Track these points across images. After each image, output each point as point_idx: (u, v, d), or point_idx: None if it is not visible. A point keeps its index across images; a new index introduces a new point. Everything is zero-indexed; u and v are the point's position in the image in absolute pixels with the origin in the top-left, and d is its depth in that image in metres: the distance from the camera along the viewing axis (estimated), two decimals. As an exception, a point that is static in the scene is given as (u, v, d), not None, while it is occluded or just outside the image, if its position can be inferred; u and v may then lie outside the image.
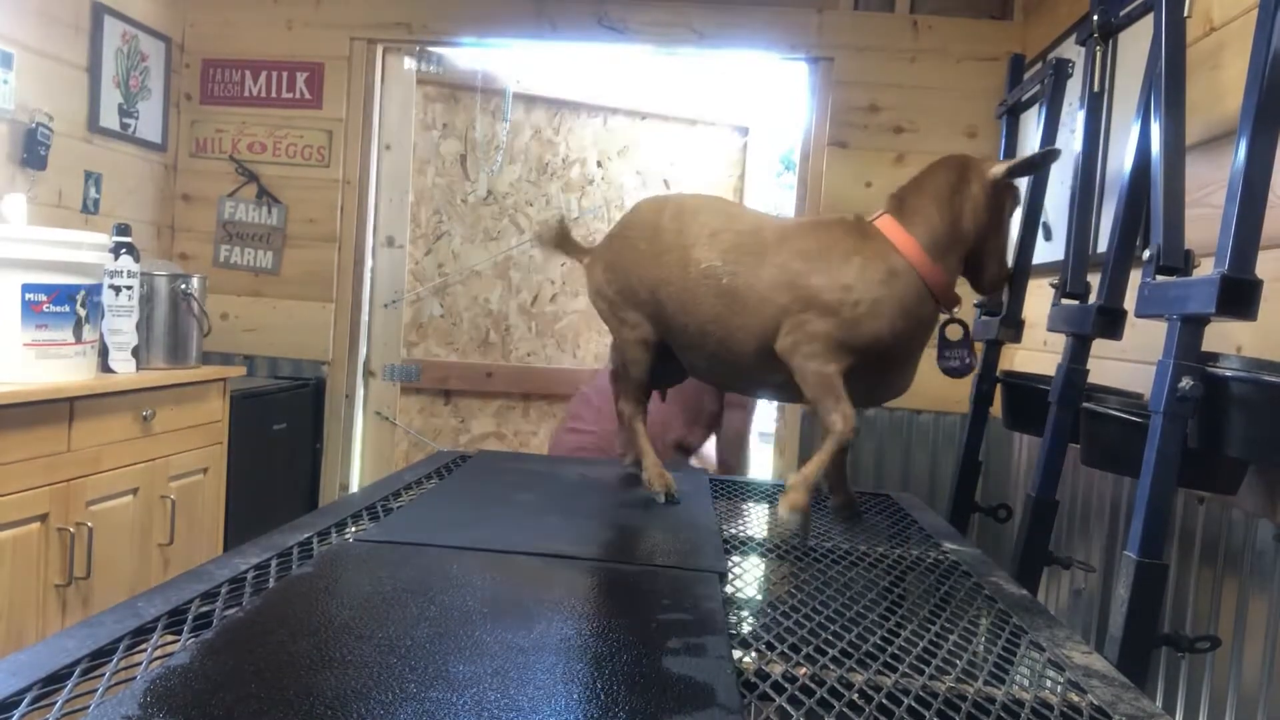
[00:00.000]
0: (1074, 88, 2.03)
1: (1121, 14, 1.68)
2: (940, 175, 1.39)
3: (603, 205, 3.33)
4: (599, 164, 3.35)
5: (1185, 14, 1.39)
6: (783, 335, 1.36)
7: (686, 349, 1.51)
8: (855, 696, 0.82)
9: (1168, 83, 1.34)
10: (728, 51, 3.09)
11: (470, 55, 3.27)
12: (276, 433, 3.03)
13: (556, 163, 3.34)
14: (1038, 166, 1.30)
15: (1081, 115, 1.83)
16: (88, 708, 0.69)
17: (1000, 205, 1.38)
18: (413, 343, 3.36)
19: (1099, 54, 1.79)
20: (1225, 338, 1.44)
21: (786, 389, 1.42)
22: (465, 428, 3.36)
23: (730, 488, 1.75)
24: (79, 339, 2.10)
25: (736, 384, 1.58)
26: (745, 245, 1.42)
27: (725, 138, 3.54)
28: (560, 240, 1.70)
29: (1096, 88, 1.79)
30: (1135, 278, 1.44)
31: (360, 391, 3.33)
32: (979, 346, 2.33)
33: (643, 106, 3.43)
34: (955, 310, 1.41)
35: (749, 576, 1.18)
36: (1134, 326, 1.56)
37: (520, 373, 3.35)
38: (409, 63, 3.27)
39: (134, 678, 0.75)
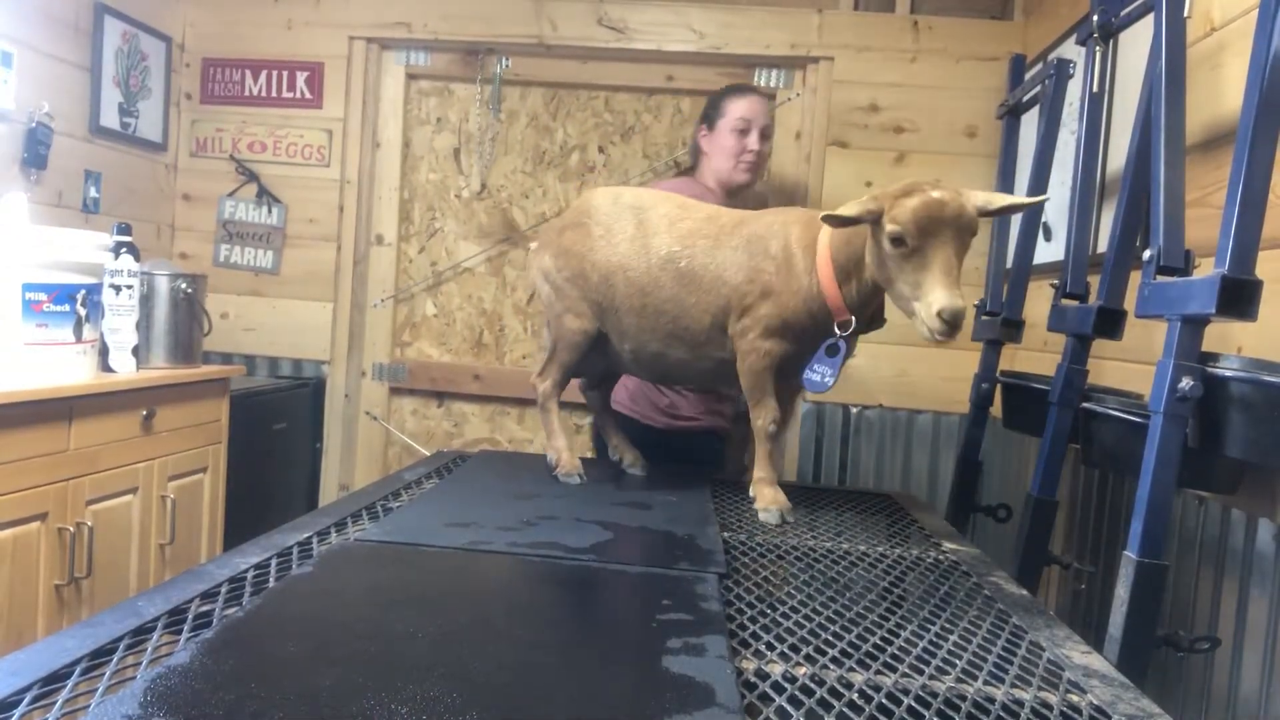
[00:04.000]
0: (1075, 88, 2.03)
1: (1122, 14, 1.68)
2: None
3: None
4: (601, 149, 3.31)
5: (1186, 14, 1.39)
6: (733, 320, 1.52)
7: (636, 333, 1.60)
8: (855, 696, 0.82)
9: (1168, 83, 1.34)
10: (728, 51, 3.09)
11: (463, 46, 3.24)
12: (276, 433, 3.03)
13: (554, 150, 3.31)
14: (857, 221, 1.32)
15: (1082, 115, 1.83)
16: (88, 707, 0.69)
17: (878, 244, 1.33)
18: (405, 343, 3.36)
19: (1099, 54, 1.79)
20: (1225, 338, 1.44)
21: (731, 366, 1.56)
22: (458, 432, 3.35)
23: (731, 487, 1.75)
24: (79, 338, 2.10)
25: (685, 364, 1.63)
26: (701, 231, 1.55)
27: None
28: (508, 225, 1.81)
29: (1096, 88, 1.79)
30: (1135, 278, 1.43)
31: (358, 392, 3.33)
32: (978, 347, 2.33)
33: (649, 81, 3.23)
34: (842, 330, 1.46)
35: (749, 576, 1.18)
36: (1132, 326, 1.56)
37: (515, 376, 3.31)
38: (398, 57, 3.27)
39: (134, 677, 0.75)
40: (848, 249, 1.42)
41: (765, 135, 2.30)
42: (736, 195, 2.29)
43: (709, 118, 2.34)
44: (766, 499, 1.52)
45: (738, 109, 2.29)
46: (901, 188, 1.28)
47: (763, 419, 1.53)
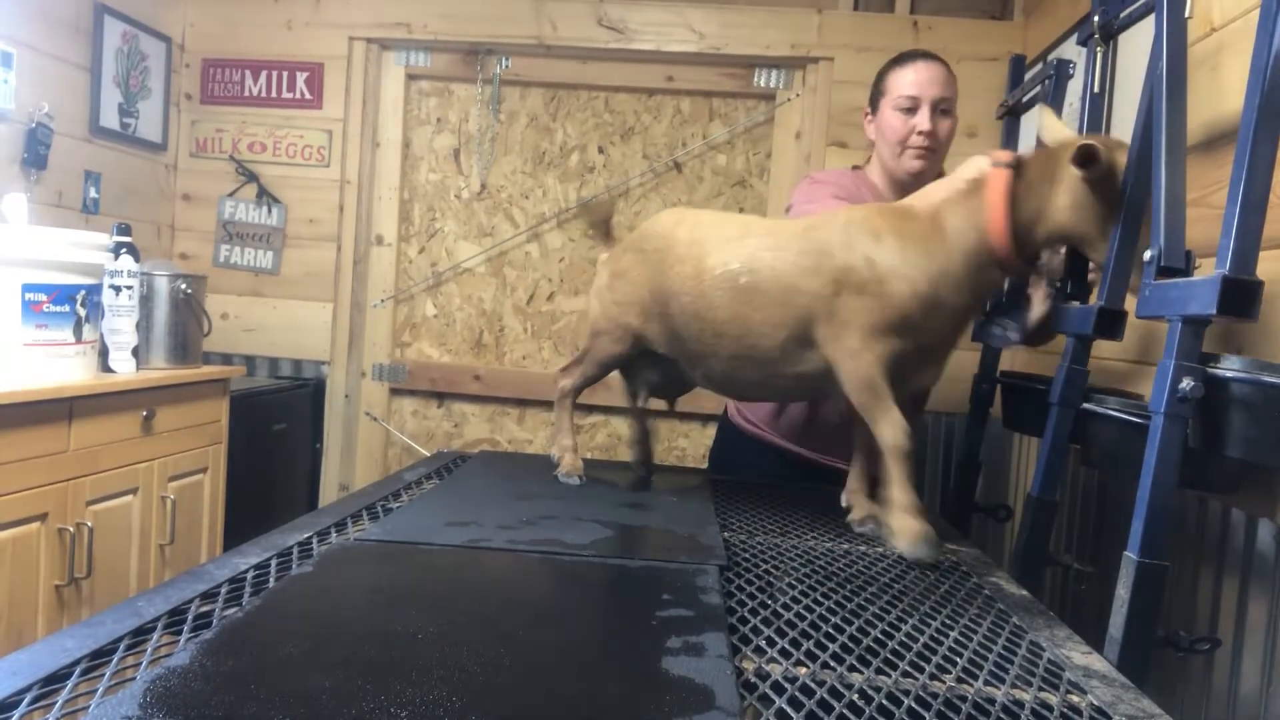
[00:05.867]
0: (1075, 88, 2.03)
1: (1122, 15, 1.68)
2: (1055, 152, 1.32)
3: (604, 193, 3.29)
4: (601, 149, 3.32)
5: (1187, 15, 1.39)
6: (821, 327, 1.35)
7: (701, 357, 1.50)
8: (855, 697, 0.82)
9: (1169, 83, 1.33)
10: (728, 51, 3.09)
11: (463, 46, 3.24)
12: (276, 433, 3.03)
13: (554, 151, 3.31)
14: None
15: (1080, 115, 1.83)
16: (88, 708, 0.69)
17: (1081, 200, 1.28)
18: (405, 343, 3.36)
19: (1099, 55, 1.79)
20: (1225, 338, 1.44)
21: (817, 380, 1.40)
22: (458, 432, 3.35)
23: (733, 488, 1.74)
24: (79, 339, 2.10)
25: (759, 384, 1.51)
26: (764, 244, 1.42)
27: (748, 110, 3.23)
28: (602, 221, 1.72)
29: (1097, 89, 1.79)
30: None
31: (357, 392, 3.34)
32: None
33: (649, 82, 3.23)
34: (1020, 279, 1.35)
35: (748, 576, 1.18)
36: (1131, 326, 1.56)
37: (515, 376, 3.31)
38: (398, 58, 3.27)
39: (134, 678, 0.74)
40: (1032, 201, 1.29)
41: (942, 110, 1.83)
42: (912, 190, 1.68)
43: (872, 100, 1.95)
44: (910, 532, 1.29)
45: (899, 83, 1.86)
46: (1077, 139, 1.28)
47: (891, 433, 1.29)
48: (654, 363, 1.64)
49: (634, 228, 3.22)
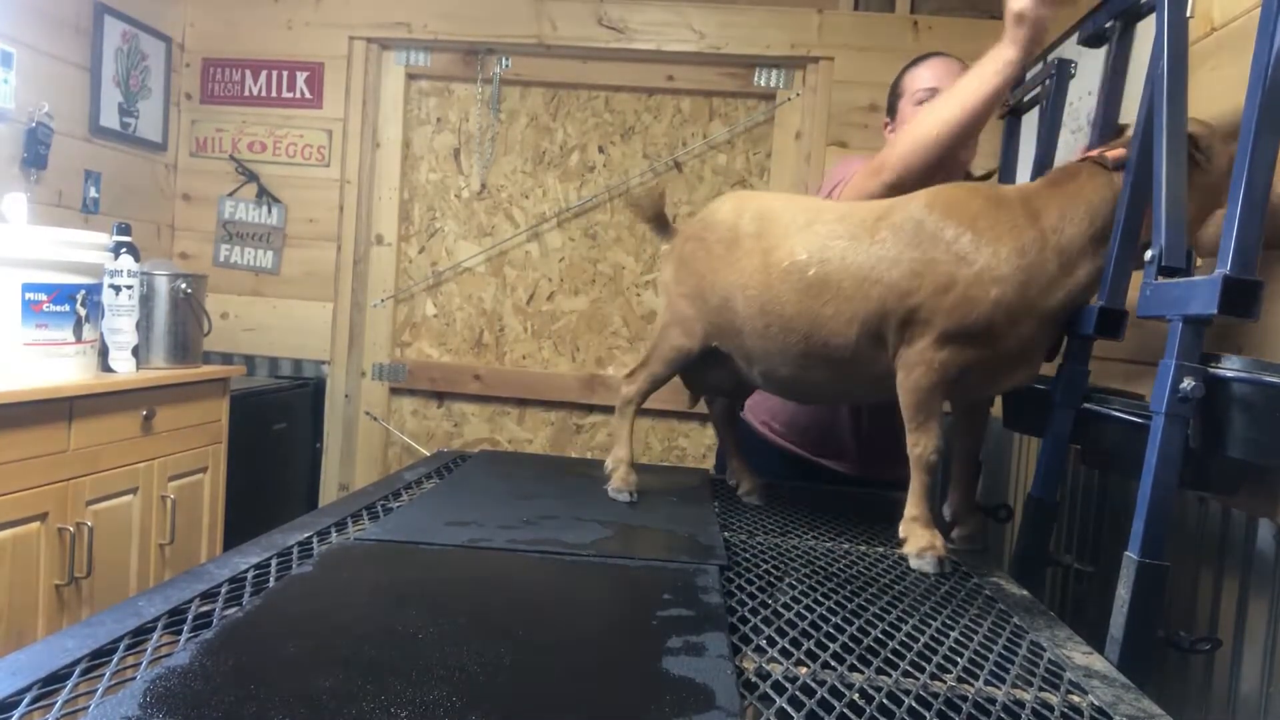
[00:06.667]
0: (1075, 88, 2.03)
1: (1142, 1, 1.67)
2: None
3: (604, 193, 3.30)
4: (601, 149, 3.32)
5: (1188, 14, 1.38)
6: (893, 328, 1.28)
7: (767, 355, 1.42)
8: (856, 697, 0.82)
9: (1169, 82, 1.33)
10: (728, 51, 3.09)
11: (463, 46, 3.25)
12: (276, 433, 3.03)
13: (554, 150, 3.31)
14: None
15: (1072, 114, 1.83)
16: (88, 708, 0.69)
17: None
18: (405, 343, 3.36)
19: (1118, 32, 1.75)
20: (1226, 338, 1.44)
21: (890, 385, 1.34)
22: (458, 432, 3.35)
23: (731, 487, 1.74)
24: (79, 338, 2.10)
25: (827, 386, 1.43)
26: (835, 232, 1.33)
27: (748, 109, 3.24)
28: (655, 214, 1.60)
29: (1115, 68, 1.76)
30: (1136, 277, 1.43)
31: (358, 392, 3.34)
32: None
33: (649, 81, 3.23)
34: None
35: (749, 576, 1.18)
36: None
37: (515, 376, 3.31)
38: (398, 57, 3.28)
39: (134, 678, 0.74)
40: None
41: None
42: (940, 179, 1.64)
43: (890, 106, 1.92)
44: (921, 542, 1.28)
45: (916, 80, 1.85)
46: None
47: (923, 446, 1.29)
48: (717, 362, 1.56)
49: (633, 225, 3.27)
